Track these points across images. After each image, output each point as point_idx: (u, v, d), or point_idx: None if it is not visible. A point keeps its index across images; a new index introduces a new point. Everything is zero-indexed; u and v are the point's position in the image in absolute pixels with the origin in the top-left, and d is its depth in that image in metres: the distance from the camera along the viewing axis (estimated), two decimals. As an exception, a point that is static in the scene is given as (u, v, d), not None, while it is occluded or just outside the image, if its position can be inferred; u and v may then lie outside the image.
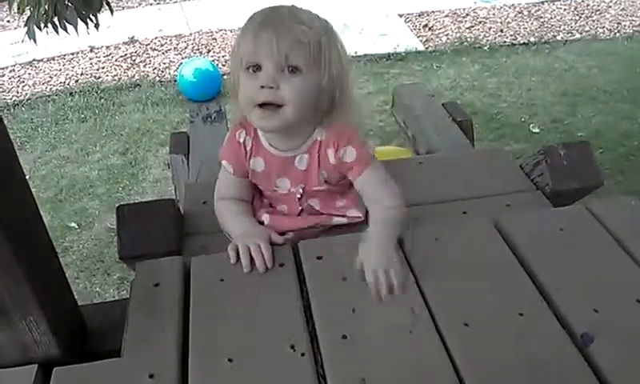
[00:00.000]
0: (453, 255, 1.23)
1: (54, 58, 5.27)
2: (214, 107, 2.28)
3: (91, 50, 5.36)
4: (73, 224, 3.23)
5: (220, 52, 5.29)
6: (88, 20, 2.48)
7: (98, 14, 2.55)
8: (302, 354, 1.01)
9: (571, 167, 1.56)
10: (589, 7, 5.94)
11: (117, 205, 1.39)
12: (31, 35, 2.47)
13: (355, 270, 1.17)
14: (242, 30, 1.22)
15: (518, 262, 1.21)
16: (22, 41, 2.57)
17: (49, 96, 4.73)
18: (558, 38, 5.38)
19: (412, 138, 2.27)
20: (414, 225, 1.36)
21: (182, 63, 4.86)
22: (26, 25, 2.47)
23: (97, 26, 2.54)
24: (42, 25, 2.42)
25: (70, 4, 2.39)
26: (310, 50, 1.18)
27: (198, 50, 5.36)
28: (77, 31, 2.44)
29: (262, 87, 1.18)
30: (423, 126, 2.16)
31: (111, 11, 2.73)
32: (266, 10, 1.23)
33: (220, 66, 4.98)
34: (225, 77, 4.80)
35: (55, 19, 2.41)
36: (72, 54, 5.31)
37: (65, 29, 2.44)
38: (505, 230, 1.30)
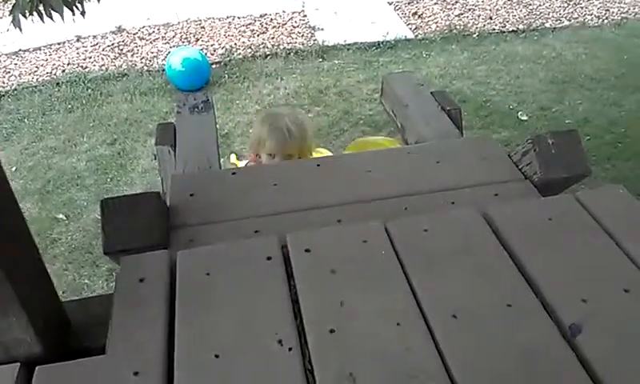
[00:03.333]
0: (441, 246, 1.23)
1: (40, 48, 5.20)
2: (201, 97, 2.25)
3: (78, 40, 5.30)
4: (61, 215, 3.19)
5: (209, 41, 5.24)
6: (74, 7, 2.44)
7: (85, 2, 2.51)
8: (290, 349, 1.00)
9: (559, 156, 1.55)
10: (577, -6, 5.95)
11: (104, 196, 1.38)
12: (17, 23, 2.43)
13: (343, 262, 1.17)
14: (262, 127, 2.03)
15: (506, 252, 1.21)
16: (7, 30, 2.52)
17: (35, 86, 4.67)
18: (547, 25, 5.38)
19: (401, 127, 2.25)
20: (403, 215, 1.37)
21: (169, 52, 4.81)
22: (10, 13, 2.43)
23: (83, 13, 2.50)
24: (27, 13, 2.38)
25: (55, -9, 2.35)
26: (303, 141, 2.03)
27: (187, 39, 5.30)
28: (62, 18, 2.40)
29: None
30: (412, 115, 2.14)
31: (97, -1, 2.69)
32: (276, 113, 2.14)
33: (209, 55, 4.93)
34: (214, 66, 4.76)
35: (41, 7, 2.37)
36: (58, 43, 5.25)
37: (50, 16, 2.40)
38: (493, 220, 1.30)
